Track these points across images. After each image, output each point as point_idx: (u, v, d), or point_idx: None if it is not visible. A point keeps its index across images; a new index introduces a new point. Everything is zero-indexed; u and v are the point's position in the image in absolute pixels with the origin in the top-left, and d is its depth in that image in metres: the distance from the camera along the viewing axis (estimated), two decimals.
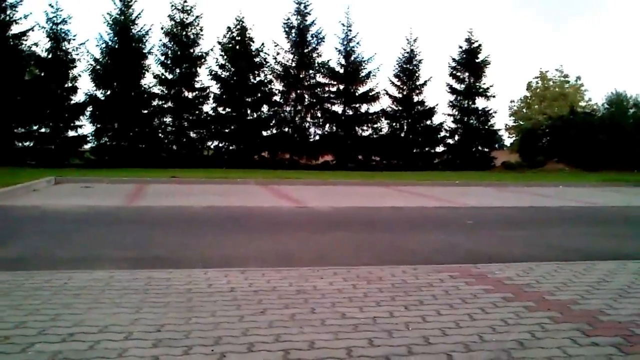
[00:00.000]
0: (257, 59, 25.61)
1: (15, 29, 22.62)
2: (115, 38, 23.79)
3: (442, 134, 28.74)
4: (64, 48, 23.42)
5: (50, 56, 23.20)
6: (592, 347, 2.71)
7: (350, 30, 26.76)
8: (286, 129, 26.29)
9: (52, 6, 23.24)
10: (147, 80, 24.62)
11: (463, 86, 28.86)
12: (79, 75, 23.69)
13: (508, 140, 42.33)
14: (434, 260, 4.94)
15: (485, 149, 29.13)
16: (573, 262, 4.77)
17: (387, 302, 3.44)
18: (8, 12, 22.42)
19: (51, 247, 5.75)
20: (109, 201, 10.04)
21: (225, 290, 3.69)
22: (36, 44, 22.99)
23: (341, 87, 26.63)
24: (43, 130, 23.44)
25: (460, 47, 28.78)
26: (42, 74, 23.43)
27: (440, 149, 29.12)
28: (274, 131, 26.31)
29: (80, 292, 3.62)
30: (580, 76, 44.68)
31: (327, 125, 26.89)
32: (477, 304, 3.40)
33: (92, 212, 8.63)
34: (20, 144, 23.40)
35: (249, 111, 25.63)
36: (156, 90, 24.78)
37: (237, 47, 25.30)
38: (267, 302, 3.41)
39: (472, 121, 28.72)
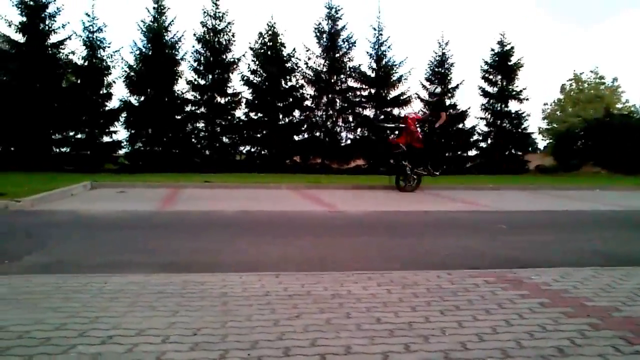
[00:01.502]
0: (288, 64, 25.70)
1: (53, 38, 23.09)
2: (149, 45, 24.08)
3: (475, 137, 28.44)
4: (99, 55, 23.78)
5: (86, 64, 23.58)
6: (636, 355, 2.66)
7: (381, 34, 26.69)
8: (318, 134, 26.29)
9: (88, 15, 23.66)
10: (180, 86, 24.87)
11: (495, 89, 28.52)
12: (114, 81, 24.04)
13: (542, 144, 41.78)
14: (468, 265, 4.90)
15: (519, 153, 28.71)
16: (612, 268, 4.67)
17: (422, 307, 3.42)
18: (47, 22, 22.93)
19: (88, 250, 5.84)
20: (143, 206, 10.17)
21: (260, 294, 3.71)
22: (73, 52, 23.43)
23: (372, 91, 26.53)
24: (79, 136, 23.82)
25: (493, 50, 28.48)
26: (78, 81, 23.83)
27: (472, 152, 28.80)
28: (306, 136, 26.34)
29: (117, 295, 3.68)
30: (617, 77, 43.90)
31: (359, 130, 26.83)
32: (514, 310, 3.36)
33: (127, 216, 8.76)
34: (57, 150, 23.84)
35: (280, 116, 25.70)
36: (189, 96, 25.02)
37: (269, 52, 25.41)
38: (302, 306, 3.42)
39: (505, 124, 28.35)
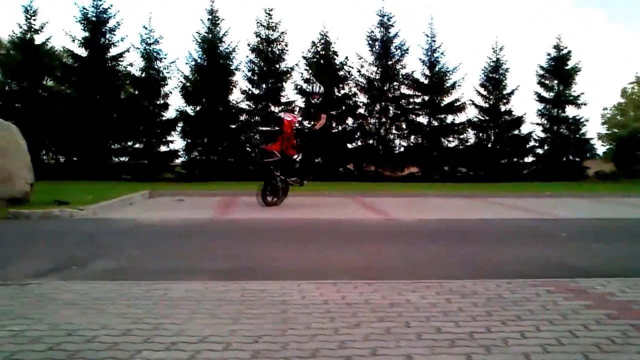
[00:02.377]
0: (341, 73, 25.77)
1: (113, 51, 23.88)
2: (204, 56, 24.54)
3: (531, 143, 27.86)
4: (156, 67, 24.40)
5: (143, 75, 24.23)
6: None
7: (434, 41, 26.49)
8: (371, 141, 26.25)
9: (145, 28, 24.33)
10: (235, 96, 25.23)
11: (552, 94, 27.89)
12: (170, 92, 24.60)
13: (601, 149, 40.51)
14: (528, 274, 4.80)
15: (577, 159, 27.97)
16: None
17: (483, 317, 3.37)
18: (107, 36, 23.72)
19: (149, 258, 5.99)
20: (201, 214, 10.36)
21: (319, 303, 3.72)
22: (131, 64, 24.17)
23: (426, 98, 26.34)
24: (137, 145, 24.46)
25: (549, 55, 27.87)
26: (136, 92, 24.51)
27: (528, 159, 28.21)
28: (359, 143, 26.34)
29: (179, 302, 3.75)
30: None
31: (412, 137, 26.64)
32: (579, 321, 3.27)
33: (186, 224, 8.93)
34: (116, 159, 24.55)
35: (333, 124, 25.79)
36: (243, 105, 25.36)
37: (322, 61, 25.55)
38: (361, 315, 3.42)
39: (562, 130, 27.68)
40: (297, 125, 12.38)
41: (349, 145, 26.26)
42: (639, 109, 39.66)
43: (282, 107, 25.39)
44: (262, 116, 12.28)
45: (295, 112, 12.59)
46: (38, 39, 23.56)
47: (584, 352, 2.74)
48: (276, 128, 11.59)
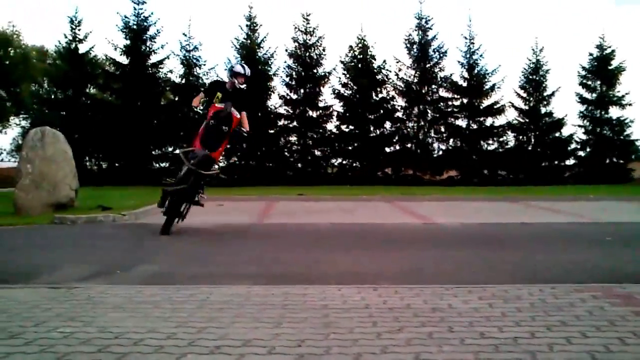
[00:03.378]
0: (379, 76, 25.76)
1: (153, 58, 24.41)
2: (243, 62, 24.80)
3: (572, 146, 27.37)
4: (195, 73, 24.80)
5: (183, 81, 24.64)
6: None
7: (472, 43, 26.27)
8: (409, 145, 26.16)
9: (185, 35, 24.76)
10: (273, 101, 25.47)
11: (594, 95, 27.36)
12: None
13: None
14: (572, 279, 4.71)
15: (621, 161, 27.36)
16: None
17: (527, 322, 3.33)
18: (148, 43, 24.21)
19: (192, 263, 6.07)
20: (241, 218, 10.46)
21: (360, 307, 3.73)
22: (171, 71, 24.67)
23: (465, 100, 26.13)
24: (177, 151, 24.79)
25: (591, 55, 27.37)
26: (176, 99, 24.92)
27: (570, 161, 27.71)
28: (397, 147, 26.27)
29: (222, 306, 3.80)
30: None
31: (451, 140, 26.46)
32: (627, 327, 3.20)
33: (227, 229, 9.02)
34: (157, 165, 24.97)
35: (371, 128, 25.76)
36: (282, 110, 25.59)
37: (359, 65, 25.58)
38: (403, 319, 3.41)
39: (605, 132, 27.13)
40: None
41: (387, 149, 26.19)
42: None
43: (320, 111, 25.49)
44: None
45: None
46: (82, 48, 24.29)
47: None
48: (225, 128, 8.68)
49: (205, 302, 3.93)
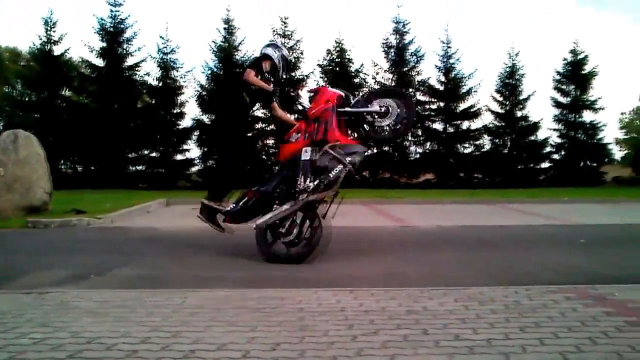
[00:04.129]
0: (356, 80, 25.77)
1: (130, 61, 24.10)
2: (220, 64, 24.71)
3: (547, 149, 27.66)
4: (172, 76, 24.58)
5: (160, 84, 24.42)
6: None
7: (449, 47, 26.40)
8: (386, 148, 26.21)
9: (162, 37, 24.55)
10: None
11: (568, 99, 27.67)
12: (186, 101, 24.76)
13: (619, 154, 40.14)
14: (546, 281, 4.77)
15: (594, 164, 27.73)
16: None
17: (501, 324, 3.36)
18: (124, 46, 23.98)
19: (167, 266, 6.03)
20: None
21: (336, 310, 3.73)
22: (148, 74, 24.37)
23: (441, 104, 26.24)
24: (153, 154, 24.63)
25: (565, 59, 27.68)
26: (153, 102, 24.70)
27: (545, 165, 28.00)
28: (374, 150, 26.31)
29: (198, 310, 3.77)
30: None
31: (428, 143, 26.55)
32: (599, 328, 3.25)
33: (203, 232, 8.96)
34: (133, 168, 24.73)
35: (349, 131, 25.76)
36: (259, 113, 25.46)
37: (337, 68, 25.57)
38: (379, 322, 3.42)
39: (579, 135, 27.45)
40: None
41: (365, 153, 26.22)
42: None
43: (297, 114, 25.42)
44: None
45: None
46: (57, 50, 23.88)
47: None
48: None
49: (180, 306, 3.90)
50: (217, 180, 7.13)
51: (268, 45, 7.07)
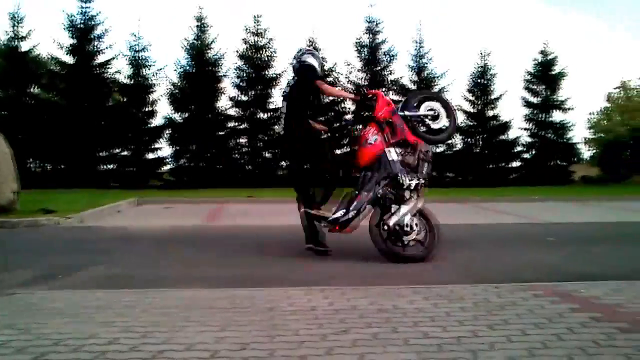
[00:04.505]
0: (329, 79, 25.78)
1: (100, 58, 23.77)
2: (192, 63, 24.53)
3: (518, 148, 28.01)
4: (143, 74, 24.35)
5: (131, 82, 24.16)
6: None
7: (422, 47, 26.57)
8: (356, 148, 26.24)
9: (134, 35, 24.29)
10: (223, 103, 25.17)
11: (539, 99, 28.05)
12: (158, 99, 24.55)
13: (587, 154, 40.76)
14: (516, 279, 4.83)
15: (564, 163, 28.17)
16: None
17: (470, 322, 3.39)
18: (95, 43, 23.64)
19: (137, 266, 5.96)
20: (189, 221, 10.34)
21: (307, 309, 3.72)
22: (119, 71, 24.09)
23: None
24: (124, 153, 24.37)
25: (535, 60, 28.05)
26: (124, 100, 24.43)
27: (515, 164, 28.35)
28: (348, 149, 26.36)
29: (167, 310, 3.74)
30: None
31: None
32: (564, 324, 3.30)
33: (174, 232, 8.91)
34: (103, 167, 24.42)
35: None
36: (231, 112, 25.35)
37: None
38: (349, 320, 3.42)
39: (549, 135, 27.85)
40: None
41: (338, 151, 26.25)
42: (623, 114, 39.98)
43: (270, 113, 25.34)
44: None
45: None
46: (24, 46, 23.46)
47: (569, 355, 2.76)
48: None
49: (150, 306, 3.86)
50: (302, 188, 7.04)
51: (308, 54, 7.29)
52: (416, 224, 6.16)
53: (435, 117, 6.45)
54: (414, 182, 6.11)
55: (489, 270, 5.54)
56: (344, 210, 6.22)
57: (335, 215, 6.27)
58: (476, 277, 5.02)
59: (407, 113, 6.41)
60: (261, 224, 9.92)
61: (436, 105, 6.50)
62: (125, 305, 3.88)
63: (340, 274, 5.39)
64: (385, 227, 6.05)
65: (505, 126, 27.33)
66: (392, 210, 6.10)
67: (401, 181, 6.07)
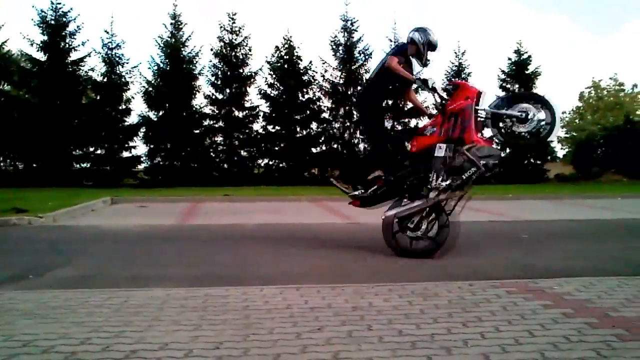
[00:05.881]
0: (305, 77, 25.80)
1: (73, 56, 23.47)
2: (167, 60, 24.33)
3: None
4: (118, 72, 24.11)
5: (105, 80, 23.91)
6: None
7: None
8: (335, 146, 26.29)
9: (107, 32, 24.01)
10: (198, 101, 25.07)
11: None
12: (132, 97, 24.34)
13: (561, 152, 41.40)
14: (489, 276, 4.87)
15: (538, 162, 28.51)
16: (638, 277, 4.60)
17: (444, 319, 3.41)
18: (67, 40, 23.31)
19: (110, 266, 5.90)
20: (164, 220, 10.25)
21: (282, 307, 3.72)
22: (92, 69, 23.81)
23: (390, 102, 26.54)
24: (99, 151, 24.13)
25: (509, 59, 28.34)
26: (98, 98, 24.17)
27: None
28: (324, 148, 26.38)
29: (140, 309, 3.70)
30: (637, 84, 43.25)
31: None
32: (537, 320, 3.34)
33: (149, 231, 8.82)
34: (77, 166, 24.13)
35: (298, 129, 25.76)
36: (207, 110, 25.22)
37: (286, 65, 25.54)
38: (324, 319, 3.42)
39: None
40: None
41: (314, 150, 26.27)
42: (595, 113, 40.66)
43: (246, 111, 25.23)
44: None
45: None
46: None
47: (540, 351, 2.79)
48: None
49: (122, 305, 3.82)
50: (360, 165, 7.12)
51: (416, 30, 6.76)
52: (424, 223, 6.13)
53: (523, 120, 6.19)
54: (444, 184, 6.02)
55: (463, 268, 5.58)
56: (363, 190, 6.54)
57: (354, 192, 6.59)
58: (451, 274, 5.06)
59: (488, 109, 6.32)
60: (237, 222, 9.88)
61: (531, 107, 6.20)
62: (96, 304, 3.83)
63: (317, 272, 5.38)
64: (396, 220, 6.10)
65: (482, 125, 27.55)
66: (402, 203, 6.14)
67: (430, 179, 6.06)
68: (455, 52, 27.74)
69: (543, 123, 6.12)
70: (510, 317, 3.43)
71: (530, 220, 10.24)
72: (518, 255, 6.40)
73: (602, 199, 15.39)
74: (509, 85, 28.36)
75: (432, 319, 3.40)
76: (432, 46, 6.88)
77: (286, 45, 25.82)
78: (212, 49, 25.21)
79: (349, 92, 26.05)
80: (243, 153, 25.56)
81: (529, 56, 28.20)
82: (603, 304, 3.71)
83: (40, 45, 22.86)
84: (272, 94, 25.54)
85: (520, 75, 28.04)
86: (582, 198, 15.91)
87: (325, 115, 26.38)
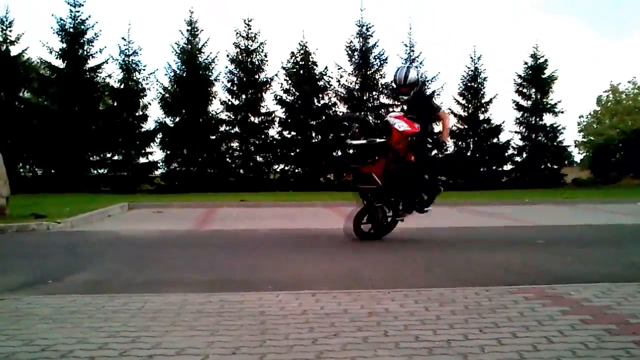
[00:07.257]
0: (320, 83, 25.89)
1: (91, 63, 23.86)
2: (183, 67, 24.55)
3: (510, 151, 28.15)
4: (134, 78, 24.38)
5: (122, 86, 24.20)
6: None
7: (413, 51, 26.71)
8: (351, 151, 26.26)
9: (124, 39, 24.30)
10: (214, 107, 25.30)
11: (530, 103, 28.22)
12: (149, 103, 24.65)
13: (578, 157, 41.05)
14: (506, 282, 4.82)
15: (555, 166, 28.32)
16: None
17: (460, 325, 3.38)
18: (85, 47, 23.60)
19: (127, 271, 5.93)
20: (180, 225, 10.29)
21: (297, 313, 3.71)
22: (110, 76, 24.16)
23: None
24: (116, 157, 24.37)
25: (526, 63, 28.22)
26: (115, 104, 24.45)
27: (507, 167, 28.48)
28: (339, 153, 26.33)
29: (157, 315, 3.71)
30: None
31: None
32: (554, 327, 3.30)
33: (165, 236, 8.87)
34: (95, 172, 24.38)
35: (313, 134, 25.82)
36: (223, 116, 25.40)
37: (301, 71, 25.65)
38: (340, 324, 3.41)
39: (540, 138, 28.01)
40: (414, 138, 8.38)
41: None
42: (614, 117, 40.24)
43: (262, 117, 25.31)
44: (356, 122, 8.95)
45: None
46: (14, 50, 23.48)
47: (558, 357, 2.76)
48: (379, 141, 8.14)
49: (139, 310, 3.84)
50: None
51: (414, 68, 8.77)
52: None
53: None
54: None
55: (479, 273, 5.54)
56: None
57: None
58: (466, 280, 5.02)
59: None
60: (253, 227, 9.89)
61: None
62: (114, 310, 3.85)
63: (332, 277, 5.37)
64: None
65: (497, 129, 27.46)
66: None
67: None
68: (471, 57, 27.68)
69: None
70: (527, 323, 3.39)
71: (546, 225, 10.16)
72: (534, 260, 6.34)
73: (621, 204, 15.22)
74: (525, 90, 28.21)
75: (449, 325, 3.38)
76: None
77: (302, 51, 25.92)
78: (228, 55, 25.40)
79: (365, 98, 26.05)
80: (259, 159, 25.67)
81: (546, 60, 28.07)
82: (622, 311, 3.67)
83: (59, 52, 23.20)
84: (287, 100, 25.64)
85: (536, 80, 27.91)
86: (600, 203, 15.75)
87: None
